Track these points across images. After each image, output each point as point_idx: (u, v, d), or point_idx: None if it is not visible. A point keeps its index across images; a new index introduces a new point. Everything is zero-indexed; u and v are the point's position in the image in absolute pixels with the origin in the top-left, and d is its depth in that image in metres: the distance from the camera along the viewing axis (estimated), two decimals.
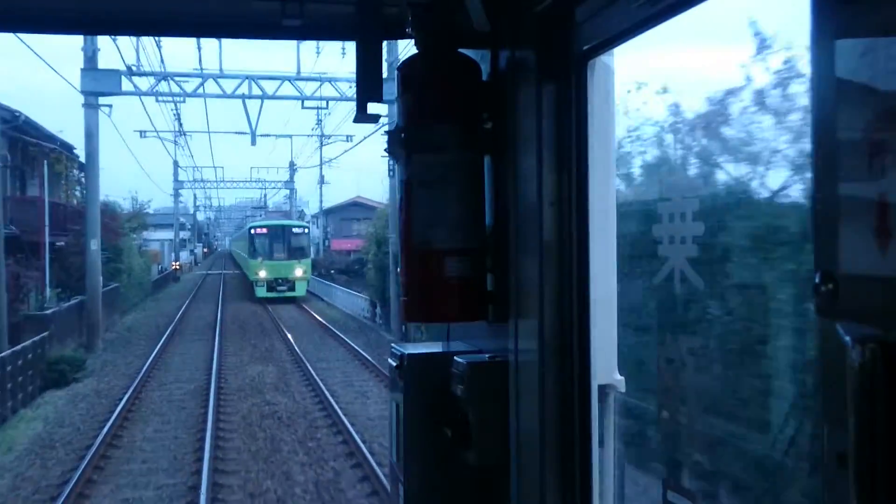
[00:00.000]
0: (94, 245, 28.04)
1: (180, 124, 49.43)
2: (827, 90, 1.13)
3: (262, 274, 44.08)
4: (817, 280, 1.13)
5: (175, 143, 57.93)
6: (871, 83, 1.05)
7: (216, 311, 39.49)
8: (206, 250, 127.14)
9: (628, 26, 1.92)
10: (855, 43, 1.08)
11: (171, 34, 3.88)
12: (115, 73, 28.63)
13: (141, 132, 46.98)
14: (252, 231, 47.26)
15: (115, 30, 3.75)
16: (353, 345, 25.97)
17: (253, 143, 37.48)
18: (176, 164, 71.63)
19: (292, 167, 70.42)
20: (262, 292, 43.70)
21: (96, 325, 27.85)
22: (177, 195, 77.90)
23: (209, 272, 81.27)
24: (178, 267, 72.74)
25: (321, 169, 62.26)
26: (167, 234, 74.61)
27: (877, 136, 1.04)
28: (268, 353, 25.36)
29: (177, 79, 31.21)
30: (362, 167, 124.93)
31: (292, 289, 43.99)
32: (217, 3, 3.17)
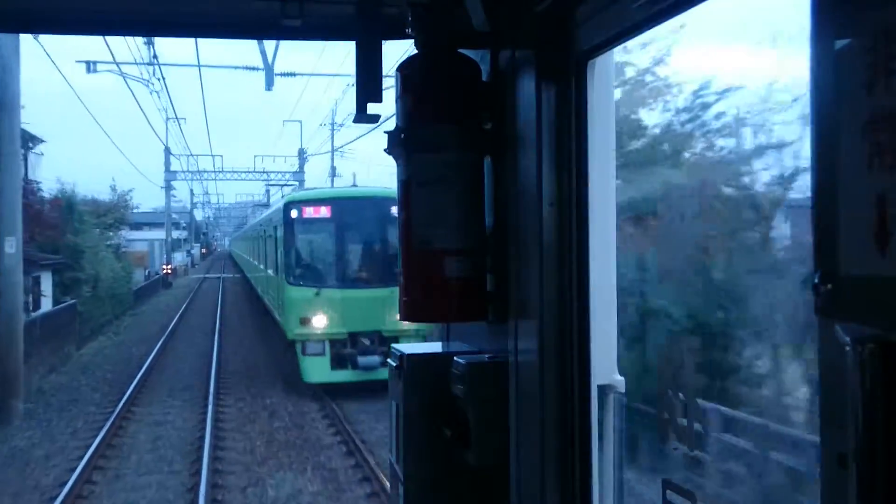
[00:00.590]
0: (11, 246, 16.81)
1: (155, 57, 29.83)
2: (827, 90, 1.13)
3: (320, 323, 18.07)
4: (817, 280, 1.13)
5: (148, 86, 35.36)
6: (871, 83, 1.05)
7: (213, 329, 28.88)
8: (204, 251, 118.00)
9: (628, 26, 1.92)
10: (855, 43, 1.08)
11: (170, 34, 3.87)
12: None
13: (88, 63, 30.17)
14: (293, 212, 19.13)
15: (112, 30, 3.74)
16: None
17: (269, 86, 26.52)
18: (168, 151, 60.10)
19: (301, 155, 60.15)
20: (320, 371, 17.90)
21: (12, 379, 16.40)
22: (168, 187, 64.65)
23: (206, 276, 71.82)
24: (169, 271, 61.27)
25: (332, 157, 51.60)
26: (160, 234, 67.33)
27: (876, 136, 1.04)
28: (297, 430, 14.51)
29: None
30: (374, 159, 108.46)
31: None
32: (217, 2, 3.17)
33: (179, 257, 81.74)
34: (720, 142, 2.94)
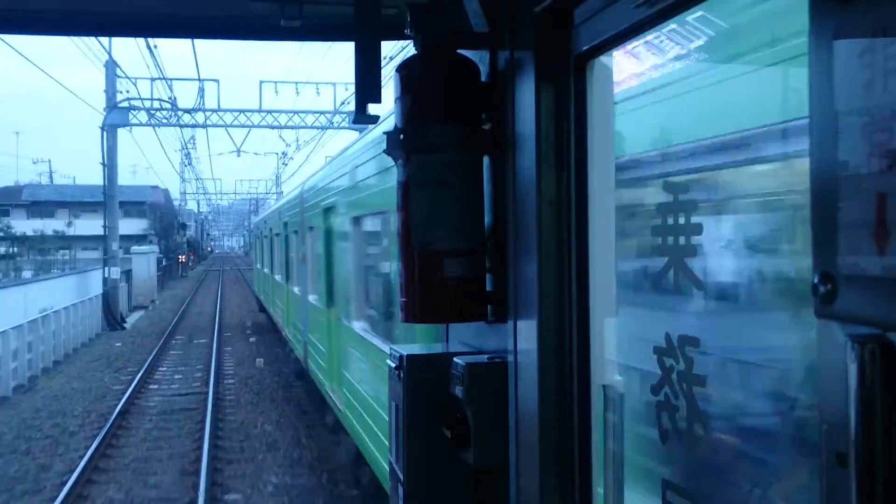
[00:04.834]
0: None
1: None
2: (825, 90, 1.13)
3: None
4: (816, 280, 1.13)
5: None
6: (870, 83, 1.05)
7: None
8: (182, 260, 72.14)
9: (627, 27, 1.92)
10: (853, 43, 1.08)
11: (169, 35, 3.87)
12: None
13: None
14: None
15: (111, 31, 3.74)
16: None
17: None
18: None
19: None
20: None
21: None
22: None
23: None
24: None
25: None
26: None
27: (875, 136, 1.04)
28: None
29: None
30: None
31: None
32: (216, 4, 3.17)
33: (96, 280, 29.94)
34: None
